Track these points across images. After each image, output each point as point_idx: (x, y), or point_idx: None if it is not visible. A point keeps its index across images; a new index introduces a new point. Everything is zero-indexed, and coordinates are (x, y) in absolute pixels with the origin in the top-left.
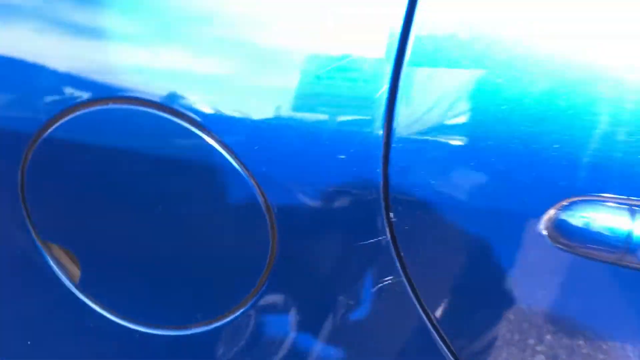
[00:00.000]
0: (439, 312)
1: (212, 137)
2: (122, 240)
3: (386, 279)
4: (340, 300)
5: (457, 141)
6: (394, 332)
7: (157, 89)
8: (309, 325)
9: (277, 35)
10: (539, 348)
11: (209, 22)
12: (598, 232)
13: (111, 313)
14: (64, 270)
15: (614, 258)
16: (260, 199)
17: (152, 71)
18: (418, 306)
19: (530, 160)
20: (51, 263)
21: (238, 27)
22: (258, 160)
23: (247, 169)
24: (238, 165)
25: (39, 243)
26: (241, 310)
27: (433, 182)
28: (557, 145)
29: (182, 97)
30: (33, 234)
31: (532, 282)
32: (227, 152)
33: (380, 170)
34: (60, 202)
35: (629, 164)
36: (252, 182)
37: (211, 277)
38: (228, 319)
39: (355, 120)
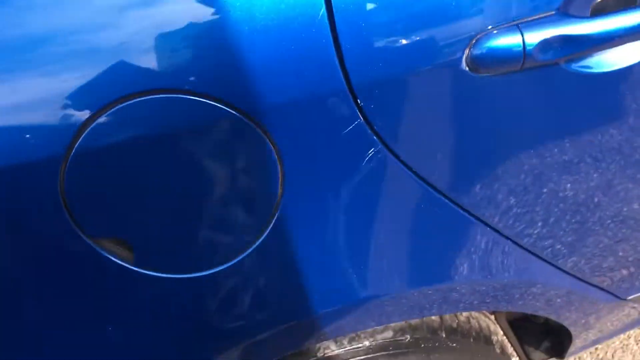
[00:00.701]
0: (416, 163)
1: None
2: (160, 210)
3: (370, 151)
4: (345, 183)
5: (387, 23)
6: (388, 188)
7: None
8: (327, 209)
9: None
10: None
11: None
12: (503, 52)
13: (149, 269)
14: (119, 257)
15: (519, 66)
16: (260, 131)
17: None
18: (399, 162)
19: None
20: (106, 254)
21: None
22: (254, 105)
23: (246, 114)
24: (240, 114)
25: (90, 241)
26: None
27: (380, 64)
28: None
29: None
30: (82, 235)
31: (466, 108)
32: (231, 108)
33: (340, 70)
34: (103, 199)
35: None
36: (249, 120)
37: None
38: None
39: (307, 40)
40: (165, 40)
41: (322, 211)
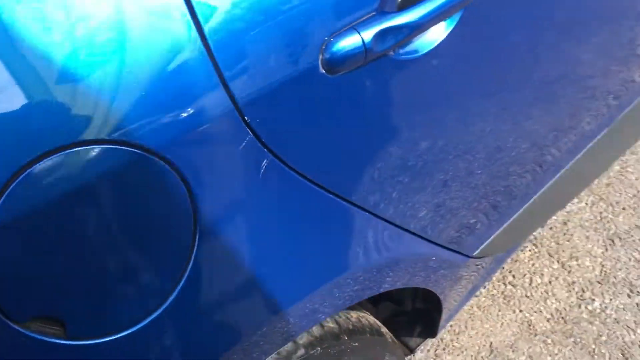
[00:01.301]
0: (301, 165)
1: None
2: (83, 273)
3: (263, 163)
4: (249, 199)
5: (253, 44)
6: (281, 197)
7: None
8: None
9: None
10: None
11: None
12: (349, 51)
13: (85, 339)
14: (51, 335)
15: (363, 60)
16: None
17: None
18: (286, 167)
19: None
20: (36, 336)
21: None
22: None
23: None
24: (144, 152)
25: (19, 327)
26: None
27: (257, 81)
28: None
29: None
30: (9, 322)
31: (332, 107)
32: (133, 147)
33: (225, 93)
34: (23, 276)
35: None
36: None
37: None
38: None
39: (191, 71)
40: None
41: (233, 237)
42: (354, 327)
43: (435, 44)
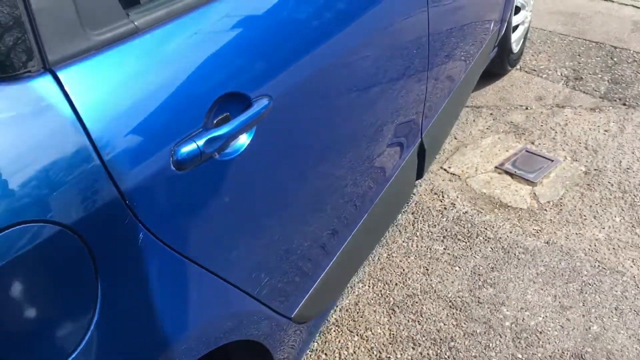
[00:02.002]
0: (166, 236)
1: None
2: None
3: (140, 236)
4: (131, 265)
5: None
6: (152, 263)
7: None
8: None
9: None
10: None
11: None
12: (189, 152)
13: None
14: None
15: (200, 160)
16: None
17: None
18: (155, 239)
19: (152, 134)
20: None
21: None
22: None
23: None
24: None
25: None
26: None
27: (131, 176)
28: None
29: None
30: None
31: (187, 196)
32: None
33: (113, 186)
34: None
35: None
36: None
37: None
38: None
39: (85, 172)
40: None
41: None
42: None
43: (243, 148)
